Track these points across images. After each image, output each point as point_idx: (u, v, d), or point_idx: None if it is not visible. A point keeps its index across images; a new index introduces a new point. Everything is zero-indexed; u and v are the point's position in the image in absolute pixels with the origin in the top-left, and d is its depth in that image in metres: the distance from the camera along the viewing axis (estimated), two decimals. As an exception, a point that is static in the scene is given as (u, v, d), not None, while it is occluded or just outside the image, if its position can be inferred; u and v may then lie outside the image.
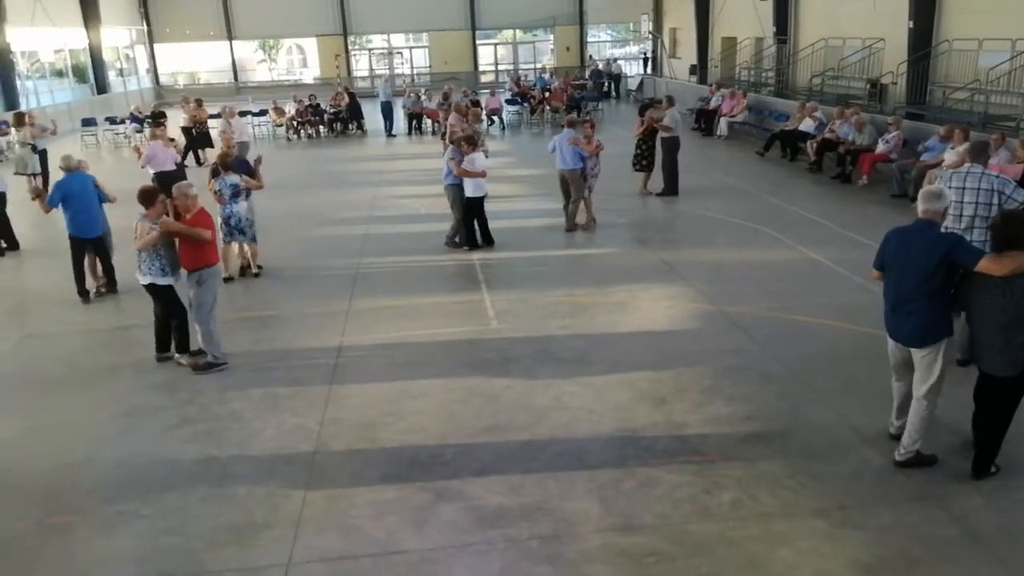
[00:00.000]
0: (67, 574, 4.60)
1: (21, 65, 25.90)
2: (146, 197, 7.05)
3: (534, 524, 4.85)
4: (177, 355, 7.39)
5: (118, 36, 33.40)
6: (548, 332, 7.88)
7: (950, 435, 5.51)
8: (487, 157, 11.31)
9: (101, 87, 30.72)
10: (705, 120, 21.19)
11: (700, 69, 27.85)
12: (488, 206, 10.94)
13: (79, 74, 30.72)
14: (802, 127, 16.60)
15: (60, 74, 29.75)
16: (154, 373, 7.26)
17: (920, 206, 5.16)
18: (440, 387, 6.77)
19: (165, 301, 7.26)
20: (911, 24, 16.50)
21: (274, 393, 6.75)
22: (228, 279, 9.53)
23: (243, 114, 20.58)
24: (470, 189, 10.61)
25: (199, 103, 19.57)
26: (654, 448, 5.65)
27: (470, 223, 10.88)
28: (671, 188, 13.73)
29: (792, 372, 6.79)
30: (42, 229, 12.38)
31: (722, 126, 20.37)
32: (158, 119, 20.05)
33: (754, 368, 6.89)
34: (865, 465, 5.34)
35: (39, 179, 14.91)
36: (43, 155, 15.40)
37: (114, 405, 6.67)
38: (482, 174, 10.59)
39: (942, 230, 5.28)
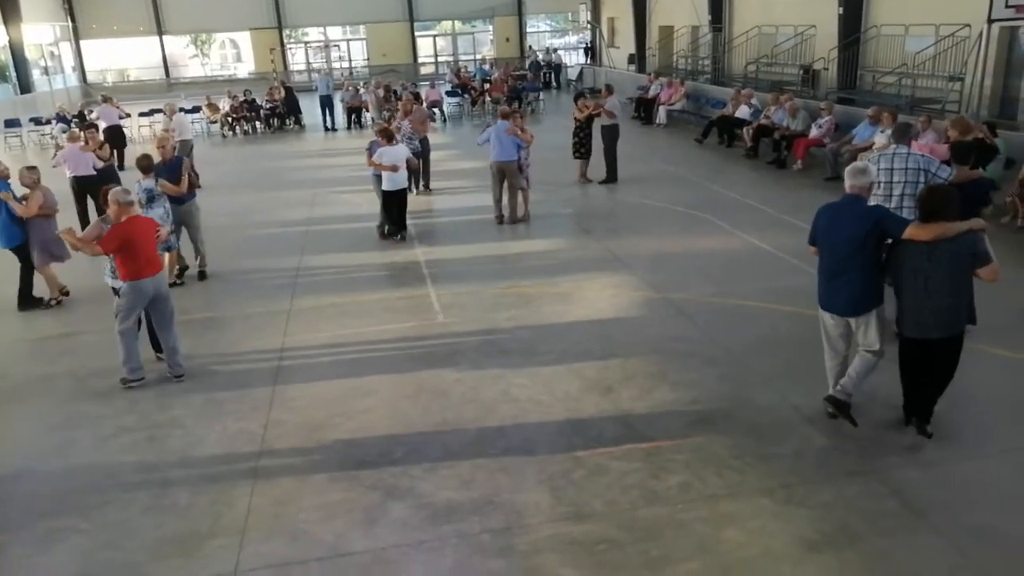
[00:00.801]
0: (2, 595, 4.43)
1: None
2: (104, 198, 6.97)
3: (485, 518, 4.84)
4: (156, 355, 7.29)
5: (41, 33, 32.11)
6: (495, 324, 7.87)
7: (885, 409, 5.69)
8: (418, 151, 11.31)
9: (24, 86, 29.49)
10: (644, 108, 21.40)
11: (638, 58, 28.11)
12: (430, 199, 10.88)
13: None
14: (738, 114, 16.91)
15: (-22, 73, 28.54)
16: (91, 381, 7.02)
17: (847, 182, 5.44)
18: (387, 384, 6.70)
19: None
20: (841, 10, 16.94)
21: (216, 397, 6.59)
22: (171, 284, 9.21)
23: (185, 111, 20.04)
24: (385, 182, 10.82)
25: (107, 100, 18.89)
26: (602, 436, 5.69)
27: (390, 214, 11.04)
28: (611, 176, 13.86)
29: (734, 355, 6.92)
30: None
31: (661, 114, 20.60)
32: (87, 124, 19.09)
33: (698, 353, 7.00)
34: (806, 443, 5.47)
35: None
36: None
37: (49, 416, 6.43)
38: (393, 168, 10.70)
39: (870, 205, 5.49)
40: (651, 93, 21.61)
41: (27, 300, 9.03)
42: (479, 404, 6.27)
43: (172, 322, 6.99)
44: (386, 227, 11.15)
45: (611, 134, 13.85)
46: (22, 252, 8.88)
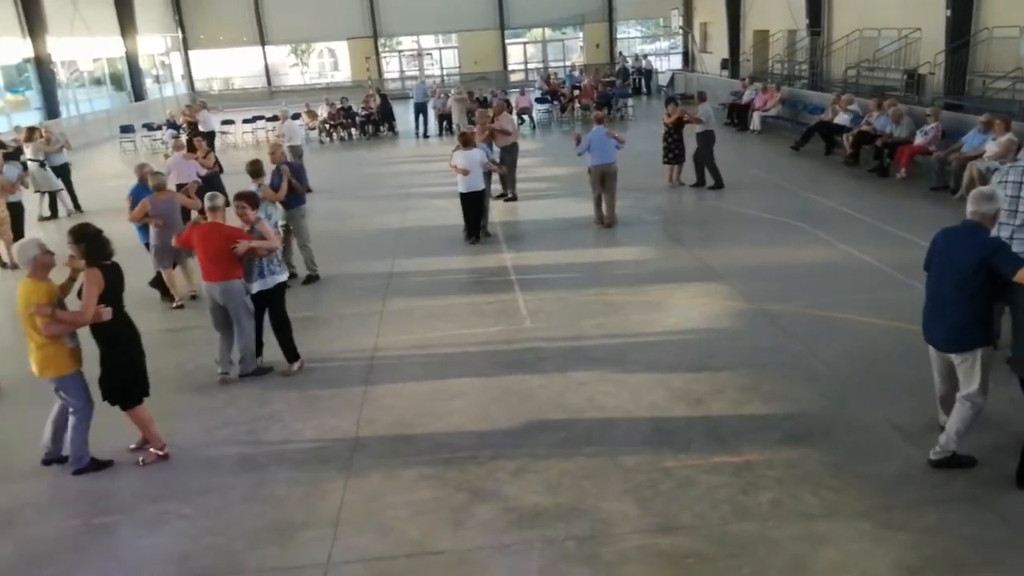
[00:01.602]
0: (114, 572, 4.68)
1: (61, 74, 26.44)
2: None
3: (571, 524, 4.83)
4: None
5: (154, 43, 33.98)
6: (581, 331, 7.85)
7: (999, 432, 5.38)
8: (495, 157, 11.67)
9: (138, 94, 31.27)
10: (738, 115, 20.96)
11: (732, 63, 27.56)
12: (520, 205, 10.91)
13: (116, 82, 31.33)
14: (837, 120, 16.34)
15: (98, 82, 30.35)
16: (194, 376, 7.37)
17: (969, 207, 5.01)
18: (475, 387, 6.78)
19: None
20: (948, 13, 16.15)
21: (312, 394, 6.81)
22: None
23: (295, 116, 20.68)
24: (459, 185, 11.04)
25: (200, 106, 19.69)
26: (691, 448, 5.60)
27: (466, 216, 11.24)
28: (717, 182, 13.80)
29: (832, 370, 6.68)
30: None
31: (755, 120, 20.14)
32: (195, 132, 19.59)
33: (793, 367, 6.80)
34: (909, 464, 5.23)
35: (63, 194, 14.86)
36: (62, 169, 15.05)
37: (155, 407, 6.76)
38: (463, 171, 10.83)
39: (994, 230, 5.10)
40: (745, 99, 21.16)
41: (162, 292, 9.53)
42: (565, 410, 6.26)
43: (236, 329, 7.08)
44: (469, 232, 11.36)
45: (704, 140, 13.75)
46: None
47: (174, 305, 9.37)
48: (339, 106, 23.49)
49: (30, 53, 24.30)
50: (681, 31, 33.15)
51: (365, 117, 23.63)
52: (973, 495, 4.84)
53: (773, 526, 4.71)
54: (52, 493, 5.56)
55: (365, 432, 6.10)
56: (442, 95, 24.06)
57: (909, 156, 13.52)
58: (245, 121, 24.03)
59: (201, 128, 18.55)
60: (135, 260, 9.34)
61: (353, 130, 23.52)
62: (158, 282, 9.52)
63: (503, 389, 6.70)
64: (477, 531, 4.84)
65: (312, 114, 23.55)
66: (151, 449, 5.88)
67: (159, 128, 23.92)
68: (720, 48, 28.77)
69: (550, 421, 6.11)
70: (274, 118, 21.20)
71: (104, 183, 18.16)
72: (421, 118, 23.16)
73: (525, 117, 23.32)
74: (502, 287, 9.38)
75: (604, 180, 11.55)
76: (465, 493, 5.21)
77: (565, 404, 6.36)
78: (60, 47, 25.48)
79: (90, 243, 5.54)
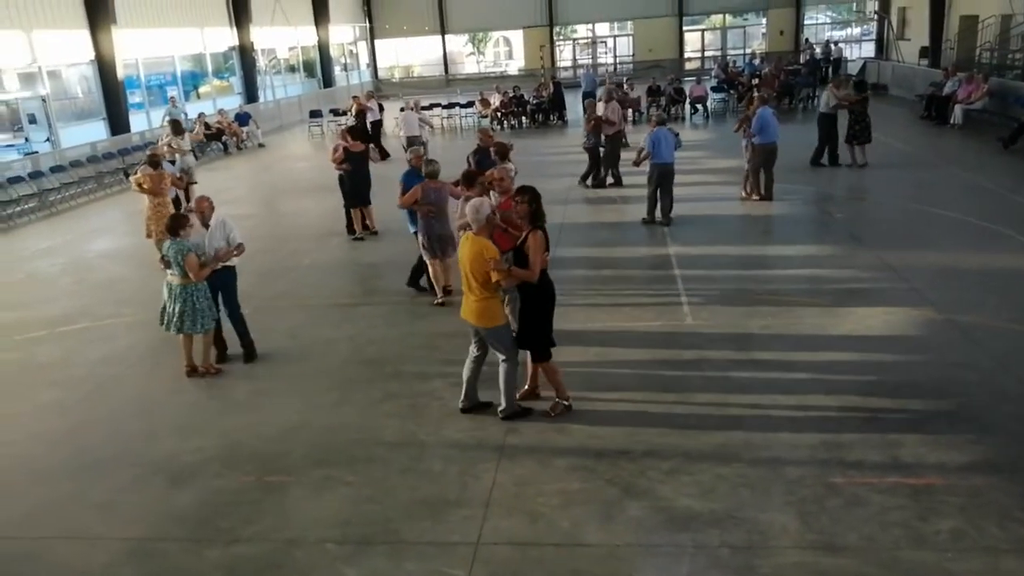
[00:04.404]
0: (282, 528, 5.02)
1: (261, 62, 28.62)
2: (467, 179, 7.57)
3: (726, 532, 4.64)
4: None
5: (343, 33, 36.04)
6: (747, 331, 7.52)
7: None
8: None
9: (327, 81, 33.31)
10: (937, 107, 19.24)
11: (932, 51, 25.30)
12: (687, 196, 10.55)
13: (308, 69, 33.49)
14: (1056, 115, 14.61)
15: (292, 69, 32.60)
16: (366, 348, 7.75)
17: None
18: (632, 380, 6.67)
19: None
20: None
21: (470, 375, 6.96)
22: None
23: (461, 106, 20.99)
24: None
25: (368, 96, 20.24)
26: (863, 465, 5.21)
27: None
28: (831, 158, 14.52)
29: (1033, 393, 6.00)
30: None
31: (957, 113, 18.40)
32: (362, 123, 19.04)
33: (986, 385, 6.16)
34: (1122, 507, 4.61)
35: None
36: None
37: (327, 378, 7.20)
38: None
39: None
40: (946, 90, 19.37)
41: (413, 280, 9.22)
42: (725, 413, 6.02)
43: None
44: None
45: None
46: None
47: (436, 302, 8.77)
48: (511, 95, 23.87)
49: (235, 42, 26.52)
50: (876, 16, 30.83)
51: (536, 105, 23.86)
52: None
53: (952, 557, 4.30)
54: (233, 450, 6.03)
55: (519, 416, 6.15)
56: (611, 84, 23.77)
57: None
58: (423, 108, 24.91)
59: (369, 118, 19.28)
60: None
61: (523, 118, 23.82)
62: (415, 277, 9.16)
63: (661, 386, 6.54)
64: (626, 528, 4.76)
65: (485, 102, 24.10)
66: (558, 400, 6.17)
67: (344, 113, 25.32)
68: (920, 35, 26.49)
69: (708, 422, 5.89)
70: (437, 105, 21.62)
71: (294, 164, 19.52)
72: (586, 107, 23.05)
73: (699, 106, 22.67)
74: (664, 280, 9.15)
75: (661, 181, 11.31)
76: (616, 488, 5.14)
77: (725, 406, 6.11)
78: (262, 36, 27.61)
79: (536, 206, 5.94)
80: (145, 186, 10.44)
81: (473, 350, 6.20)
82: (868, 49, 33.21)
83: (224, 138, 22.08)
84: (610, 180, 14.35)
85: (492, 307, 5.89)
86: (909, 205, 11.77)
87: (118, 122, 19.80)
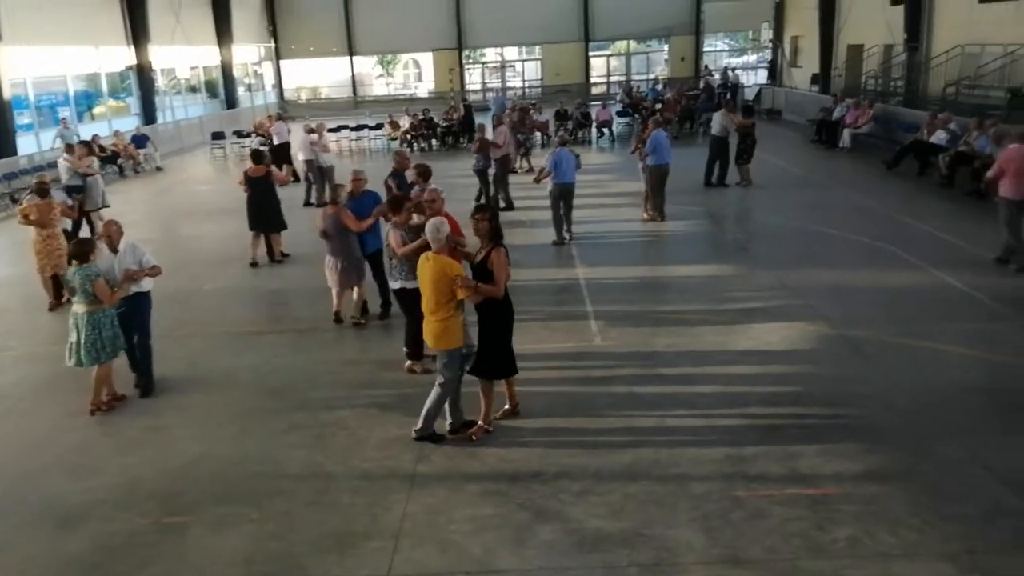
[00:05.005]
0: (181, 570, 4.78)
1: (160, 82, 27.65)
2: (394, 205, 7.21)
3: (634, 551, 4.69)
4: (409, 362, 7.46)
5: (248, 53, 35.25)
6: (653, 349, 7.68)
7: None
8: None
9: (230, 102, 32.44)
10: (827, 131, 20.30)
11: (823, 78, 26.74)
12: (594, 218, 10.74)
13: (211, 89, 32.57)
14: (933, 139, 15.61)
15: (194, 89, 31.64)
16: (269, 377, 7.52)
17: None
18: (543, 402, 6.68)
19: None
20: (1060, 28, 15.27)
21: (379, 403, 6.85)
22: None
23: (337, 129, 20.92)
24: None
25: (274, 118, 19.97)
26: (765, 478, 5.38)
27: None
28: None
29: (918, 403, 6.33)
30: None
31: (845, 137, 19.44)
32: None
33: (877, 397, 6.47)
34: (997, 507, 4.92)
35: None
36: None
37: (228, 410, 6.94)
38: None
39: None
40: (835, 115, 20.47)
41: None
42: (633, 431, 6.11)
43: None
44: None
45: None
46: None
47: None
48: (420, 117, 23.85)
49: (132, 61, 25.53)
50: (771, 44, 32.38)
51: (446, 128, 23.91)
52: (1073, 547, 4.49)
53: (848, 564, 4.47)
54: (129, 490, 5.72)
55: (430, 444, 6.07)
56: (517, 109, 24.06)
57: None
58: (330, 130, 24.56)
59: (275, 140, 18.88)
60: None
61: (434, 140, 23.81)
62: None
63: (571, 407, 6.59)
64: (538, 552, 4.75)
65: (395, 124, 23.98)
66: (482, 424, 6.15)
67: (248, 135, 24.73)
68: (811, 62, 27.96)
69: (617, 441, 5.97)
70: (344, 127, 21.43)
71: (195, 187, 18.88)
72: (500, 130, 23.23)
73: (605, 130, 23.19)
74: (573, 302, 9.26)
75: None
76: (528, 512, 5.13)
77: (633, 425, 6.21)
78: (161, 55, 26.67)
79: (496, 223, 5.98)
80: (32, 217, 9.60)
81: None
82: (763, 76, 34.77)
83: (120, 161, 21.18)
84: (502, 204, 14.18)
85: (452, 328, 5.87)
86: (802, 225, 12.32)
87: (4, 144, 18.73)
